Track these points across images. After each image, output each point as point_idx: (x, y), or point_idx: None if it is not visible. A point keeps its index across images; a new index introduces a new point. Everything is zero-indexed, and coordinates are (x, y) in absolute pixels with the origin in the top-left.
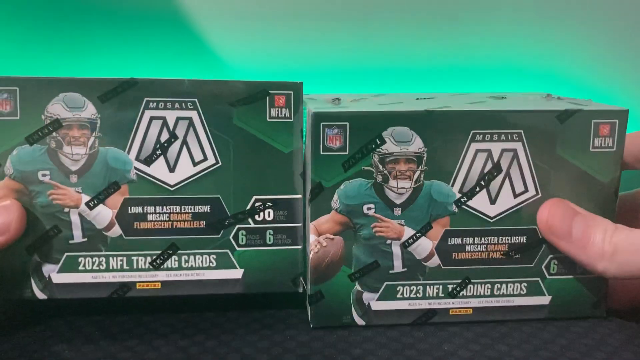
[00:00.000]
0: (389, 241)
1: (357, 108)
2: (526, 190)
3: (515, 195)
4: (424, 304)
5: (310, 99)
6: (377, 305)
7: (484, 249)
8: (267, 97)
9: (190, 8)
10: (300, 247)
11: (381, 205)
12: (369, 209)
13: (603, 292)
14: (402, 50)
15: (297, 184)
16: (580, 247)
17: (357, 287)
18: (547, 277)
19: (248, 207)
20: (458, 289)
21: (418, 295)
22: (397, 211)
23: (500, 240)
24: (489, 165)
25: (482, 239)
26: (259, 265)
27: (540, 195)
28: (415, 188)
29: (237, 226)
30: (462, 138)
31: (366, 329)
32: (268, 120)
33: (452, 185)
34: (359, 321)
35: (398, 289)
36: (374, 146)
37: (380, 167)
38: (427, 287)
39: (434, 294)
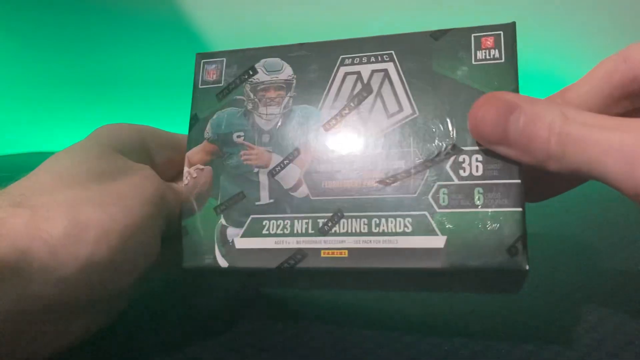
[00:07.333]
0: (256, 169)
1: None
2: (401, 109)
3: (389, 116)
4: (292, 242)
5: None
6: (241, 243)
7: (357, 176)
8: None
9: None
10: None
11: (250, 132)
12: (238, 136)
13: (521, 233)
14: None
15: None
16: (521, 150)
17: (222, 221)
18: (437, 210)
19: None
20: (330, 224)
21: (285, 231)
22: (266, 138)
23: (375, 165)
24: (359, 87)
25: (354, 164)
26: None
27: (418, 114)
28: (284, 114)
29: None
30: (331, 64)
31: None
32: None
33: (321, 109)
34: (222, 262)
35: (264, 223)
36: (246, 77)
37: (252, 95)
38: (296, 221)
39: (303, 230)
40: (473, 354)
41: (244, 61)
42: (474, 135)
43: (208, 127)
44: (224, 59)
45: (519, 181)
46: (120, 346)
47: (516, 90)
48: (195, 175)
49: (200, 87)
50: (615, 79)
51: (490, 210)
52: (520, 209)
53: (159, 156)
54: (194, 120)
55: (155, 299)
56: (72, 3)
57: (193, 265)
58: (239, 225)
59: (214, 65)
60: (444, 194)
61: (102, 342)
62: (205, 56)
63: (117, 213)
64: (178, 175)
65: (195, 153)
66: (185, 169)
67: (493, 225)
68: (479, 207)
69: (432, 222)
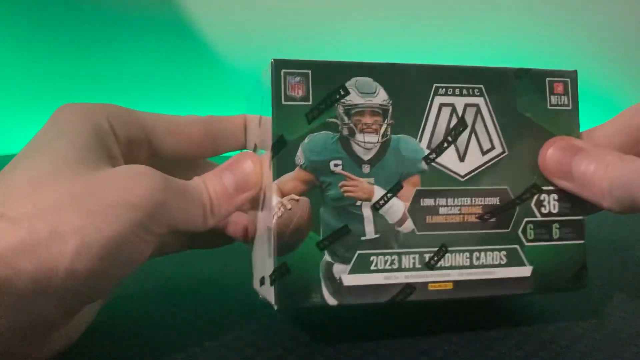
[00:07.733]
0: (358, 202)
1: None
2: (493, 147)
3: (484, 153)
4: (400, 277)
5: None
6: (350, 280)
7: (458, 212)
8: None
9: None
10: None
11: (348, 161)
12: (336, 165)
13: (584, 261)
14: None
15: None
16: (582, 186)
17: (327, 257)
18: (526, 244)
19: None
20: (436, 258)
21: (394, 266)
22: (366, 168)
23: (473, 201)
24: (454, 120)
25: (456, 200)
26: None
27: (507, 153)
28: (383, 143)
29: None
30: (426, 91)
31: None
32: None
33: (420, 141)
34: (330, 300)
35: (372, 259)
36: (337, 97)
37: (346, 119)
38: (403, 256)
39: (411, 265)
40: (473, 354)
41: (332, 77)
42: (542, 170)
43: (300, 152)
44: (310, 72)
45: (583, 217)
46: (121, 346)
47: (578, 135)
48: (290, 206)
49: (284, 103)
50: (635, 124)
51: (564, 242)
52: (583, 241)
53: (123, 135)
54: (281, 143)
55: (155, 299)
56: (71, 3)
57: (299, 306)
58: (345, 261)
59: (298, 78)
60: (530, 229)
61: (102, 343)
62: (285, 65)
63: (100, 222)
64: (146, 160)
65: (287, 181)
66: (276, 198)
67: (566, 255)
68: (556, 240)
69: (522, 254)
